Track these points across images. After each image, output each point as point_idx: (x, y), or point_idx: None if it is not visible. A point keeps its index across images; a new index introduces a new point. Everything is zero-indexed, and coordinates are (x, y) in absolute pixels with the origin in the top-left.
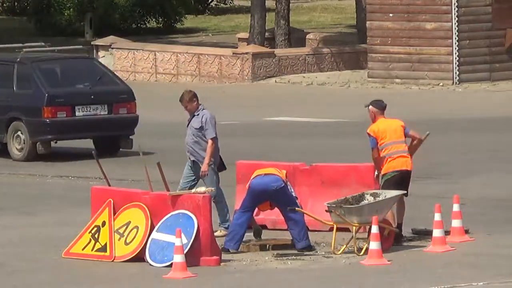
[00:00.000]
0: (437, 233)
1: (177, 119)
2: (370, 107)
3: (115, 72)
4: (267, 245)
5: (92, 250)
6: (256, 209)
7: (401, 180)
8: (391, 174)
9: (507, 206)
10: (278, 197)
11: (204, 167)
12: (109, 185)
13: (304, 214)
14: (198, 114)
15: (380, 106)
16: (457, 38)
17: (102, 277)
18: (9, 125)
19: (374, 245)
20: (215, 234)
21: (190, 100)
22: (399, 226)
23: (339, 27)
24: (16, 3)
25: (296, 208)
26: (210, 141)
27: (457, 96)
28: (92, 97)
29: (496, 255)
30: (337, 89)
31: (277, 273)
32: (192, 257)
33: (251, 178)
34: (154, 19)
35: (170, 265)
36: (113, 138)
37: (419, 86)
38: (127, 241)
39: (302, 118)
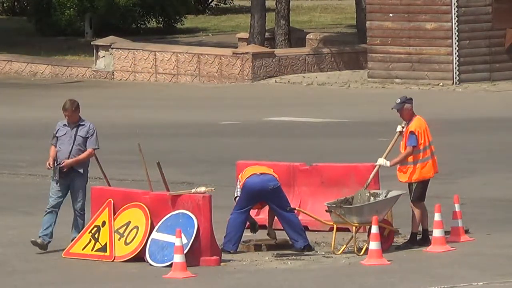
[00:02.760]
0: (437, 233)
1: (177, 119)
2: (407, 105)
3: (115, 72)
4: (262, 245)
5: (92, 250)
6: (257, 210)
7: (428, 182)
8: (426, 180)
9: (507, 206)
10: (273, 197)
11: (69, 162)
12: (109, 185)
13: (303, 214)
14: (84, 124)
15: (412, 102)
16: (457, 38)
17: (102, 277)
18: None
19: (374, 245)
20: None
21: (76, 109)
22: (425, 231)
23: (339, 27)
24: (16, 3)
25: (297, 208)
26: (91, 150)
27: (457, 96)
28: None
29: (496, 255)
30: (337, 89)
31: (277, 273)
32: (192, 257)
33: (246, 177)
34: (154, 19)
35: (170, 265)
36: None
37: (419, 86)
38: (127, 241)
39: (302, 118)
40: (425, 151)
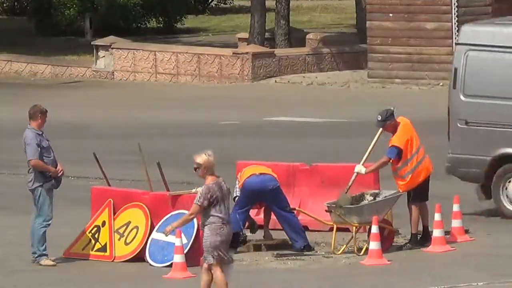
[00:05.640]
0: (437, 233)
1: (177, 119)
2: (388, 122)
3: (115, 72)
4: (262, 245)
5: (92, 250)
6: (257, 210)
7: (425, 184)
8: (421, 182)
9: None
10: (273, 197)
11: (63, 168)
12: (109, 185)
13: (303, 214)
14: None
15: (394, 114)
16: (457, 38)
17: (102, 277)
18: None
19: (374, 245)
20: (45, 262)
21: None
22: (425, 228)
23: (339, 27)
24: (16, 3)
25: (297, 208)
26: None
27: None
28: None
29: (496, 255)
30: (337, 89)
31: (277, 273)
32: (192, 257)
33: (245, 177)
34: (154, 19)
35: (170, 265)
36: None
37: (419, 86)
38: (127, 241)
39: (302, 118)
40: (412, 160)
